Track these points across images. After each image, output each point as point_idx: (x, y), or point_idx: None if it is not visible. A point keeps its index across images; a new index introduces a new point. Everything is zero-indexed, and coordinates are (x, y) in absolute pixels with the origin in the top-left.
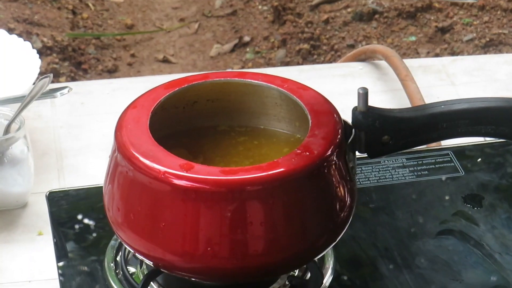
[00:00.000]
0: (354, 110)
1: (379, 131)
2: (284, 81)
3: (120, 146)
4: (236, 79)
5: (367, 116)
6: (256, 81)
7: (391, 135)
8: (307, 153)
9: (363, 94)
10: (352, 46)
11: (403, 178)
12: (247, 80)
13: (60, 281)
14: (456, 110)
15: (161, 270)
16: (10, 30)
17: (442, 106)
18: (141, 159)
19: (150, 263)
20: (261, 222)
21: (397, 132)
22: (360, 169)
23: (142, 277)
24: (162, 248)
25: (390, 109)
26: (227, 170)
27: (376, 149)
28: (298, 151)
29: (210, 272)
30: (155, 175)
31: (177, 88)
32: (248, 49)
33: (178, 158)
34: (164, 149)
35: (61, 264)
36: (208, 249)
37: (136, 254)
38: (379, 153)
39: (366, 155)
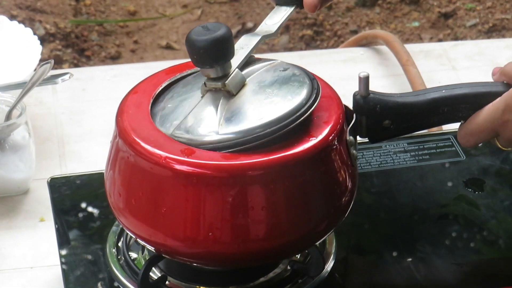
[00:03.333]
0: (355, 95)
1: (380, 115)
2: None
3: (121, 131)
4: None
5: (368, 100)
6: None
7: (392, 119)
8: (308, 138)
9: (364, 79)
10: (355, 32)
11: (405, 162)
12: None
13: (63, 269)
14: (457, 95)
15: (163, 255)
16: (13, 17)
17: (443, 91)
18: (142, 144)
19: (152, 248)
20: (262, 206)
21: (398, 117)
22: (361, 154)
23: (143, 263)
24: (163, 234)
25: (391, 93)
26: (228, 155)
27: (377, 133)
28: (299, 136)
29: (211, 257)
30: (156, 161)
31: (179, 74)
32: None
33: (179, 143)
34: (165, 134)
35: (62, 250)
36: (209, 234)
37: (138, 240)
38: (380, 138)
39: (367, 140)
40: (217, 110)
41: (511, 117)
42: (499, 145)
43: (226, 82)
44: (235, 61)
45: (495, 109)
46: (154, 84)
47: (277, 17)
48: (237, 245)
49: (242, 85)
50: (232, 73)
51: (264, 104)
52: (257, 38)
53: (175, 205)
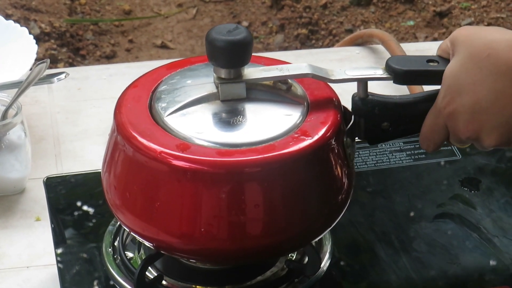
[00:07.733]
0: (354, 96)
1: (379, 117)
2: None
3: (119, 125)
4: None
5: (367, 102)
6: (257, 64)
7: (390, 121)
8: (304, 137)
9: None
10: (350, 31)
11: (401, 162)
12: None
13: (59, 268)
14: None
15: (160, 253)
16: (8, 16)
17: None
18: (139, 138)
19: (149, 244)
20: (257, 204)
21: (396, 119)
22: (357, 153)
23: (140, 262)
24: (160, 229)
25: (390, 96)
26: (223, 151)
27: (376, 135)
28: (295, 135)
29: (207, 253)
30: (152, 155)
31: (179, 69)
32: None
33: (175, 138)
34: (162, 128)
35: (58, 249)
36: (204, 230)
37: (136, 236)
38: (379, 140)
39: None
40: (212, 109)
41: (452, 108)
42: (457, 145)
43: (219, 85)
44: (255, 74)
45: (435, 106)
46: (154, 78)
47: (358, 72)
48: (232, 242)
49: (237, 96)
50: (233, 82)
51: (248, 126)
52: (308, 71)
53: (171, 201)
